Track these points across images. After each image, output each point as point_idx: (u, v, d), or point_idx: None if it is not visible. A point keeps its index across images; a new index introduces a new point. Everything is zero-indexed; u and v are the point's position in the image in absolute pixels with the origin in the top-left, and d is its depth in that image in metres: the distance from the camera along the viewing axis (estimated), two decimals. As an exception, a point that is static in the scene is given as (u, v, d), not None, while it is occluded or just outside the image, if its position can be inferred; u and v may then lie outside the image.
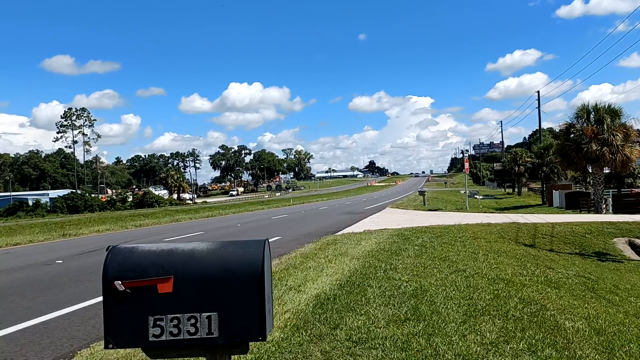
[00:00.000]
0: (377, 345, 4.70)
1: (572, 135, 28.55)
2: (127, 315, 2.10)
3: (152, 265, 2.13)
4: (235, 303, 2.11)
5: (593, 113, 27.46)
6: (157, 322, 2.10)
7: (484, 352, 4.71)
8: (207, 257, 2.17)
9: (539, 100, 59.56)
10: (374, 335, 4.98)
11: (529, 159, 62.70)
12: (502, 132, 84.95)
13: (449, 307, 6.30)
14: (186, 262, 2.14)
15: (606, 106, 27.27)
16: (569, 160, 28.13)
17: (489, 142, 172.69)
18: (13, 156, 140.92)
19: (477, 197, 53.53)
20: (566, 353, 4.98)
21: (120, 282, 2.05)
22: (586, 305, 7.86)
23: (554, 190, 40.88)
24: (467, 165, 30.72)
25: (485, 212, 28.12)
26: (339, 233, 16.42)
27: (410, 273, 8.49)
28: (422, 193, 37.12)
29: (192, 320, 2.10)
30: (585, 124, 27.71)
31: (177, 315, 2.10)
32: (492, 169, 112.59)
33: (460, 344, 4.85)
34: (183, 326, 2.10)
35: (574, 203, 31.64)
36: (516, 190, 73.44)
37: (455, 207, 31.92)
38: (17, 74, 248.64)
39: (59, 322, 6.17)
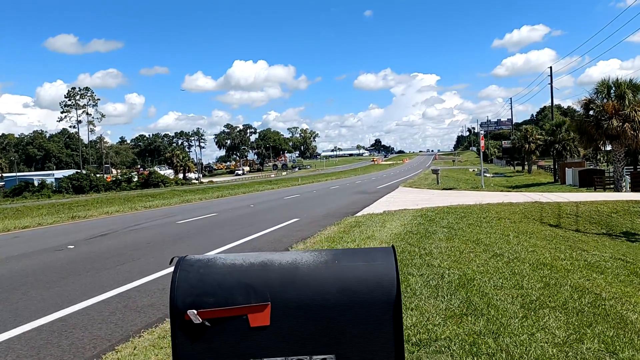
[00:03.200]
0: (443, 349, 4.14)
1: (591, 112, 27.79)
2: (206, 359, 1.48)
3: (239, 286, 1.50)
4: (359, 340, 1.48)
5: (614, 88, 26.60)
6: (250, 369, 1.51)
7: (563, 356, 4.15)
8: (316, 273, 1.55)
9: (551, 76, 58.47)
10: (434, 336, 4.41)
11: (539, 136, 61.87)
12: (511, 109, 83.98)
13: (502, 298, 5.74)
14: (287, 282, 1.52)
15: (628, 81, 26.42)
16: (589, 137, 27.39)
17: (496, 120, 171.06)
18: (17, 136, 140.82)
19: (487, 175, 52.88)
20: (648, 354, 4.43)
21: (195, 312, 1.44)
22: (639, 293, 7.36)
23: (566, 168, 40.21)
24: (482, 143, 29.99)
25: (502, 190, 27.50)
26: (359, 214, 15.86)
27: (449, 259, 7.94)
28: (435, 171, 36.50)
29: (300, 366, 1.52)
30: (605, 100, 26.90)
31: (278, 358, 1.48)
32: (501, 147, 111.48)
33: (534, 346, 4.29)
34: (287, 374, 1.52)
35: (588, 181, 31.00)
36: (526, 168, 72.68)
37: (470, 186, 31.30)
38: (20, 53, 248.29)
39: (78, 318, 5.60)
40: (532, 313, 5.25)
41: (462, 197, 21.44)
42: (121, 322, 5.42)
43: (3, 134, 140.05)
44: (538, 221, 15.91)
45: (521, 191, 27.65)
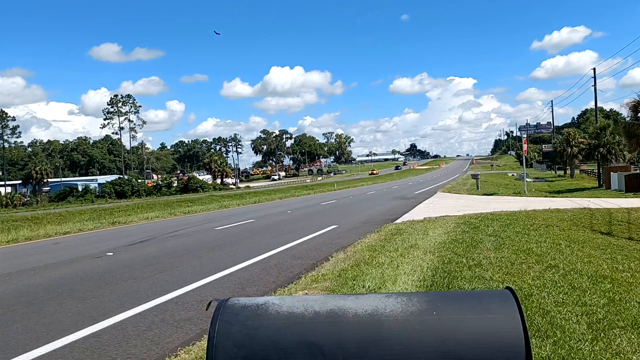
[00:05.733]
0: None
1: (640, 114, 26.63)
2: None
3: (300, 346, 1.07)
4: None
5: (666, 88, 25.39)
6: None
7: (646, 387, 3.67)
8: (408, 330, 1.10)
9: (594, 77, 56.55)
10: (497, 362, 3.98)
11: (583, 140, 59.89)
12: (552, 112, 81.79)
13: (566, 317, 5.26)
14: (367, 342, 1.08)
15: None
16: (638, 140, 26.21)
17: (535, 123, 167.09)
18: (62, 143, 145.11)
19: (528, 179, 51.38)
20: None
21: (243, 385, 1.03)
22: None
23: (611, 173, 38.74)
24: (525, 147, 29.04)
25: (546, 196, 26.53)
26: (399, 221, 15.40)
27: (500, 271, 7.45)
28: (475, 176, 35.65)
29: None
30: (656, 101, 25.73)
31: None
32: (541, 151, 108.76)
33: (612, 375, 3.82)
34: None
35: (635, 186, 29.71)
36: (568, 172, 70.52)
37: (512, 191, 30.36)
38: (66, 62, 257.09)
39: (112, 333, 5.35)
40: (602, 334, 4.77)
41: (505, 203, 20.71)
42: (157, 338, 5.15)
43: (49, 140, 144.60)
44: (588, 229, 15.16)
45: (566, 197, 26.63)
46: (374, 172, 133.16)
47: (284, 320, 1.16)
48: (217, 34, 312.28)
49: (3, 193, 77.16)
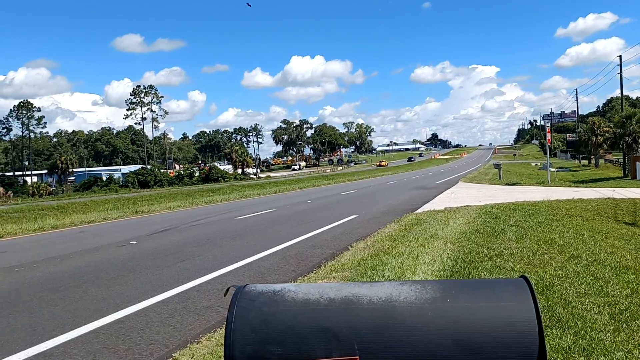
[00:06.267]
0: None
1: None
2: None
3: (315, 331, 1.09)
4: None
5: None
6: None
7: (668, 379, 3.63)
8: (422, 317, 1.12)
9: (620, 65, 55.46)
10: (517, 352, 3.96)
11: (608, 129, 58.83)
12: (577, 100, 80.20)
13: (587, 307, 5.21)
14: (381, 328, 1.09)
15: None
16: (666, 129, 25.62)
17: (559, 112, 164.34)
18: (87, 133, 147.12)
19: (552, 169, 50.60)
20: None
21: (259, 366, 1.09)
22: None
23: (637, 162, 38.00)
24: (549, 136, 28.61)
25: (570, 186, 26.16)
26: (419, 211, 15.36)
27: (522, 261, 7.41)
28: (497, 166, 35.31)
29: None
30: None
31: None
32: (565, 140, 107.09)
33: (633, 366, 3.79)
34: None
35: (662, 176, 29.19)
36: (593, 162, 69.38)
37: (534, 181, 30.02)
38: (90, 54, 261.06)
39: (136, 319, 5.47)
40: (624, 325, 4.72)
41: (528, 193, 20.50)
42: (179, 325, 5.25)
43: (74, 131, 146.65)
44: (612, 219, 14.94)
45: (590, 186, 26.23)
46: (382, 163, 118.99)
47: (299, 306, 1.19)
48: (248, 5, 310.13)
49: (29, 182, 78.80)
